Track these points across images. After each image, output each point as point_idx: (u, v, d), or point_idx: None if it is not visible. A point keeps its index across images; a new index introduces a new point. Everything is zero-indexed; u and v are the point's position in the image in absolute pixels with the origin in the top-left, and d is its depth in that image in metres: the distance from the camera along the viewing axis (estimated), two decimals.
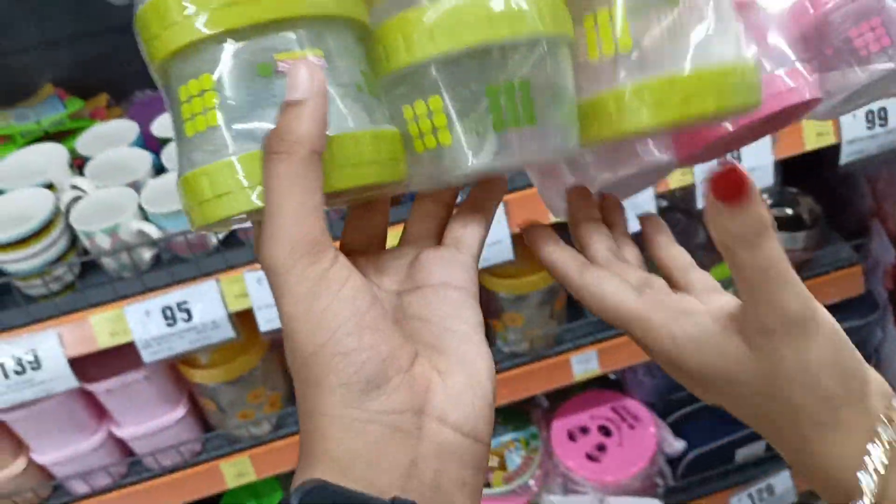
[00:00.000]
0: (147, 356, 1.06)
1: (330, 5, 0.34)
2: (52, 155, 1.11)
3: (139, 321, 1.04)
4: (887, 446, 0.36)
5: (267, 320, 1.06)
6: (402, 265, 0.39)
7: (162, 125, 1.17)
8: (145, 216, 1.04)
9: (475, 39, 0.35)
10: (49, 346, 1.02)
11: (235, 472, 1.25)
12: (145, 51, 0.35)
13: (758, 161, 1.12)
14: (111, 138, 1.16)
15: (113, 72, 1.30)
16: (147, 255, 1.06)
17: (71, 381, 1.03)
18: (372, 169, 0.34)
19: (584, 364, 1.23)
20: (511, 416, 1.51)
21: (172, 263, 1.07)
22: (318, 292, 0.31)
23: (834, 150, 1.14)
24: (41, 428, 1.13)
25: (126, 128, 1.18)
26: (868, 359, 0.49)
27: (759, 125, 0.47)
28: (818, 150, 1.13)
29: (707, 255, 0.96)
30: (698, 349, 0.38)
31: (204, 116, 0.33)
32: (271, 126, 0.32)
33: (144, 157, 1.10)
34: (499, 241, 1.05)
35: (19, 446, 1.17)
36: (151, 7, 0.33)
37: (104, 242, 1.01)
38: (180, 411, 1.20)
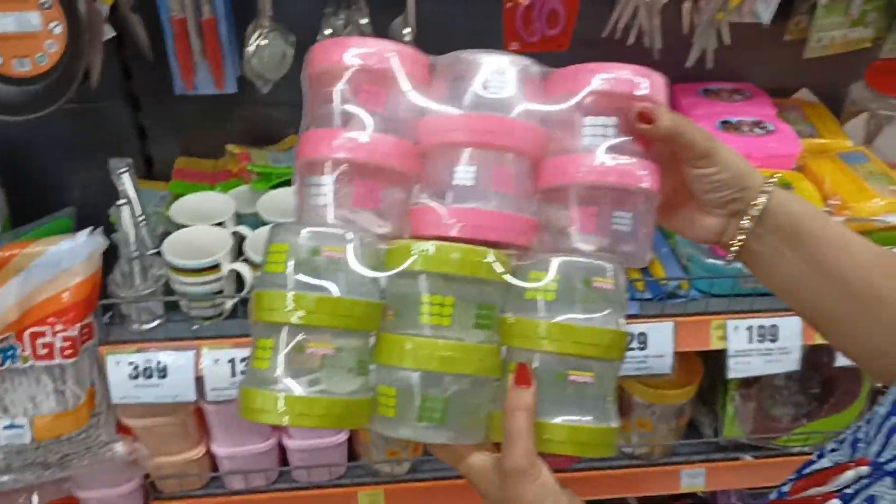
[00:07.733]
0: None
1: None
2: None
3: None
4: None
5: None
6: None
7: None
8: None
9: (435, 368, 0.61)
10: None
11: (369, 501, 1.41)
12: None
13: None
14: None
15: None
16: None
17: None
18: None
19: (692, 479, 1.40)
20: None
21: None
22: None
23: None
24: (230, 423, 1.30)
25: None
26: None
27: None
28: None
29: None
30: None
31: None
32: None
33: None
34: (662, 356, 1.23)
35: (203, 435, 1.34)
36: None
37: None
38: (343, 436, 1.36)
